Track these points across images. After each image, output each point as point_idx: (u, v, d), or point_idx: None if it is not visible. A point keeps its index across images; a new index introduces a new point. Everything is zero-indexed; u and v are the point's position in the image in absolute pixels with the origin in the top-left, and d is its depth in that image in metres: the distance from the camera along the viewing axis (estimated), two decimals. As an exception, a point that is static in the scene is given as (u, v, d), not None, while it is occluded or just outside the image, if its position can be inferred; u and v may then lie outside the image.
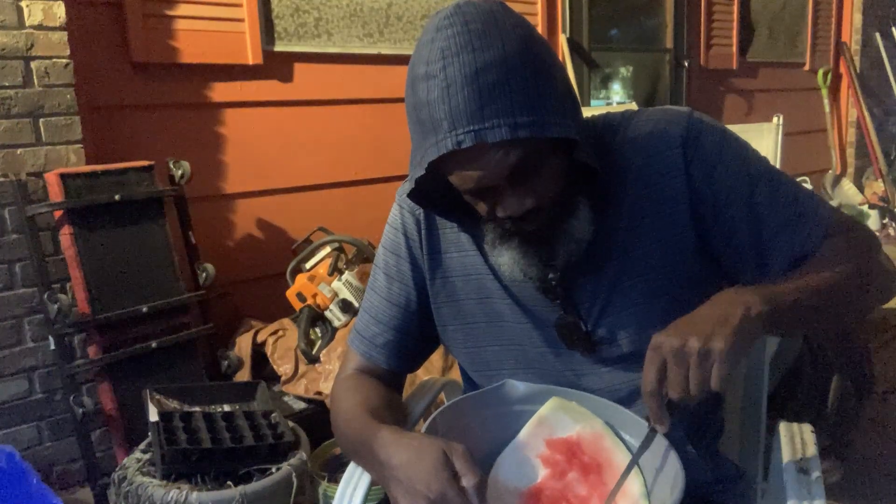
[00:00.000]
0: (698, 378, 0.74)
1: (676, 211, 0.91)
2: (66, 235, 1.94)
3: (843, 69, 5.45)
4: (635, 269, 0.93)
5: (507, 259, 0.90)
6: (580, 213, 0.88)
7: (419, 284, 1.03)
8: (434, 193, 0.94)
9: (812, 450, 0.95)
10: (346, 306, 2.28)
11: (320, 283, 2.29)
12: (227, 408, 1.85)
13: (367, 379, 1.05)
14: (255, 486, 1.55)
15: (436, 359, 2.17)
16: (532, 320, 0.97)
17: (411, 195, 0.93)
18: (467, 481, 0.76)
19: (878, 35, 5.45)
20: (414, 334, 1.06)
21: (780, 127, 1.86)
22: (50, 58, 1.98)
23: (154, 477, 1.56)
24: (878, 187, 5.34)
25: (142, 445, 1.72)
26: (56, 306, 1.87)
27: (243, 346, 2.30)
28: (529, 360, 0.98)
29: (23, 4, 1.93)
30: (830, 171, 5.41)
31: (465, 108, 0.77)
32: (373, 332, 1.06)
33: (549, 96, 0.80)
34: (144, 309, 2.01)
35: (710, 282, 0.94)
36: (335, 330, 2.27)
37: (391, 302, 1.04)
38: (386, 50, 2.86)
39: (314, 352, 2.20)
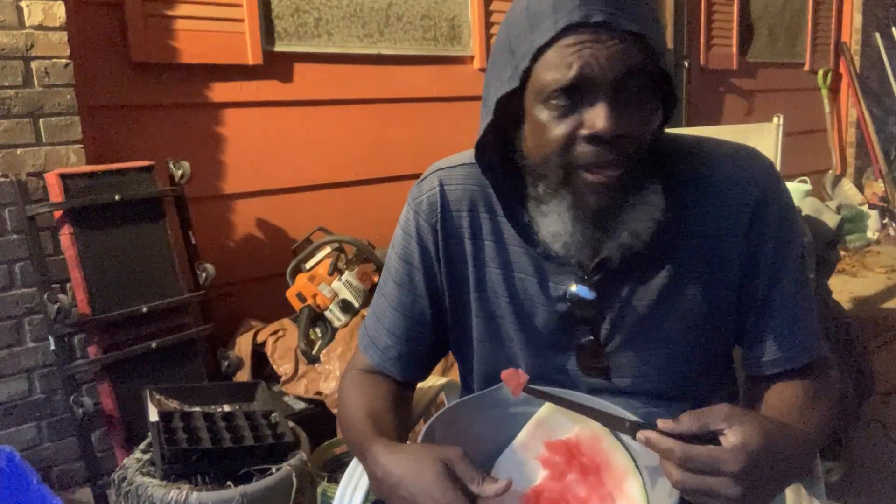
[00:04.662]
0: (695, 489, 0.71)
1: (729, 270, 0.90)
2: (66, 235, 1.94)
3: (843, 69, 5.45)
4: (671, 314, 0.91)
5: (553, 219, 0.82)
6: (655, 189, 0.81)
7: (433, 295, 0.99)
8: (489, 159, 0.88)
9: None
10: (346, 306, 2.28)
11: (320, 283, 2.29)
12: (227, 408, 1.85)
13: (376, 378, 1.04)
14: (255, 486, 1.55)
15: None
16: (535, 346, 0.96)
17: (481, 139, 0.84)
18: (486, 489, 0.75)
19: (878, 35, 5.44)
20: (427, 344, 1.03)
21: (781, 127, 1.87)
22: (50, 58, 1.98)
23: (154, 477, 1.56)
24: (878, 187, 5.34)
25: (142, 445, 1.72)
26: (56, 306, 1.87)
27: (243, 346, 2.30)
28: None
29: (23, 4, 1.93)
30: (830, 171, 5.41)
31: None
32: (386, 344, 1.02)
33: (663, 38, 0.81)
34: (144, 309, 2.01)
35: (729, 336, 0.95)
36: (335, 330, 2.27)
37: (403, 314, 1.01)
38: (386, 50, 2.86)
39: (314, 352, 2.20)
